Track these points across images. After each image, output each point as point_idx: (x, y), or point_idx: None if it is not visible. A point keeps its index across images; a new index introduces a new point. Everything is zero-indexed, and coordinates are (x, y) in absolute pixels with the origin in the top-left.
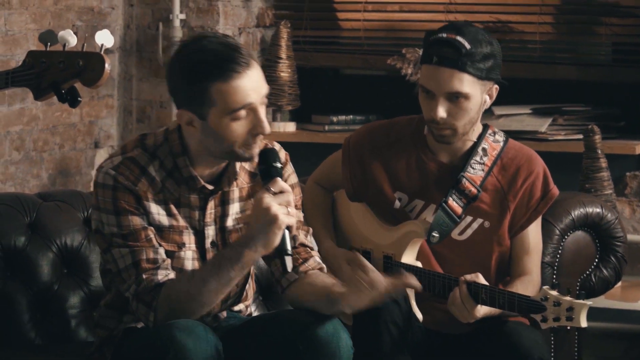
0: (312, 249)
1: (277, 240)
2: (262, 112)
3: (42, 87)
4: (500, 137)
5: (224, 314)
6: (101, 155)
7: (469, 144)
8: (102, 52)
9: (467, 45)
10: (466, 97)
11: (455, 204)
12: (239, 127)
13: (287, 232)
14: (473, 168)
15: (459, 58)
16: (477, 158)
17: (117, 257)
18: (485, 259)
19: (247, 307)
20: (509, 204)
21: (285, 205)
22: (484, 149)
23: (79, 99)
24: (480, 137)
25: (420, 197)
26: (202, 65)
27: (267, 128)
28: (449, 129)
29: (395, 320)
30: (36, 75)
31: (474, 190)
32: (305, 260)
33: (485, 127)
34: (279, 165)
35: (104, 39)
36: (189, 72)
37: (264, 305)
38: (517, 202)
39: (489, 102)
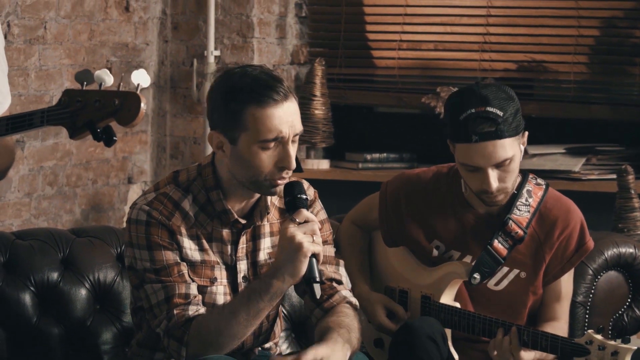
0: (340, 282)
1: (303, 269)
2: (292, 147)
3: (77, 126)
4: (541, 181)
5: (256, 351)
6: (134, 191)
7: (510, 192)
8: (138, 92)
9: (500, 113)
10: (512, 159)
11: (500, 245)
12: (266, 158)
13: (314, 260)
14: (519, 210)
15: (497, 128)
16: (523, 200)
17: (149, 292)
18: (519, 308)
19: (276, 345)
20: (544, 255)
21: (310, 234)
22: (528, 191)
23: (114, 138)
24: (523, 181)
25: (457, 248)
26: (242, 88)
27: (293, 163)
28: (502, 193)
29: (432, 356)
30: (71, 114)
31: (520, 232)
32: (330, 296)
33: (526, 174)
34: (303, 196)
35: (140, 78)
36: (228, 93)
37: (296, 342)
38: (552, 254)
39: (523, 148)
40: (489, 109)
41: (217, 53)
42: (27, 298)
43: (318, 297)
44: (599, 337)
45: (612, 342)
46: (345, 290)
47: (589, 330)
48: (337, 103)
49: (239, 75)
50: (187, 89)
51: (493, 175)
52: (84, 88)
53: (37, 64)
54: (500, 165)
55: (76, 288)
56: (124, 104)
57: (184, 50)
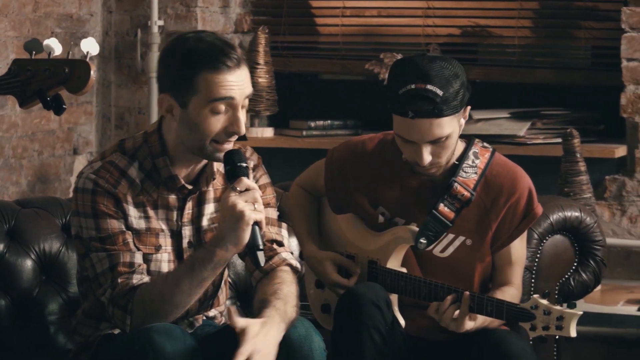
0: (281, 244)
1: (246, 237)
2: (242, 113)
3: (27, 95)
4: (488, 145)
5: (200, 320)
6: (80, 162)
7: (452, 160)
8: (87, 60)
9: (440, 92)
10: (448, 137)
11: (447, 209)
12: (216, 122)
13: (256, 228)
14: (465, 172)
15: (435, 107)
16: (469, 162)
17: (94, 261)
18: (468, 274)
19: (221, 313)
20: (490, 222)
21: (251, 202)
22: (475, 153)
23: (63, 106)
24: (469, 146)
25: (401, 215)
26: (196, 53)
27: (243, 129)
28: (435, 167)
29: (378, 326)
30: (21, 83)
31: (467, 194)
32: (270, 258)
33: (472, 139)
34: (244, 164)
35: (89, 46)
36: (182, 57)
37: (241, 311)
38: (499, 221)
39: (464, 122)
40: (429, 87)
41: (161, 23)
42: None
43: (262, 264)
44: (544, 301)
45: (558, 307)
46: (285, 252)
47: (535, 295)
48: (281, 71)
49: (194, 40)
50: (131, 59)
51: (427, 150)
52: (33, 57)
53: None
54: (436, 142)
55: (22, 259)
56: (73, 72)
57: (128, 20)
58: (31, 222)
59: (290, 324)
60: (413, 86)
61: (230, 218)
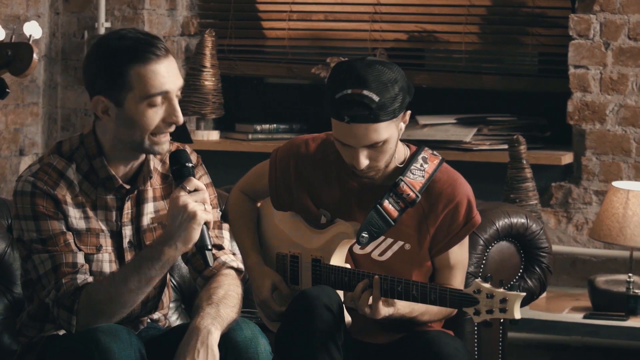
0: (221, 247)
1: (196, 237)
2: (177, 101)
3: None
4: (437, 154)
5: (145, 322)
6: (26, 163)
7: (393, 164)
8: (30, 42)
9: (376, 98)
10: (386, 141)
11: (391, 207)
12: (154, 115)
13: (204, 227)
14: (413, 174)
15: (371, 112)
16: (417, 165)
17: (37, 263)
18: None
19: (165, 316)
20: (428, 227)
21: (201, 202)
22: (424, 158)
23: (7, 90)
24: (418, 151)
25: (342, 216)
26: (122, 50)
27: (181, 117)
28: (373, 170)
29: (330, 330)
30: None
31: (412, 194)
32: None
33: (422, 146)
34: (190, 165)
35: (32, 29)
36: (108, 57)
37: (186, 314)
38: (436, 227)
39: (403, 126)
40: (365, 92)
41: (108, 25)
42: None
43: (211, 264)
44: (487, 285)
45: (501, 290)
46: (225, 255)
47: (477, 280)
48: (227, 74)
49: (117, 38)
50: (78, 61)
51: (363, 154)
52: None
53: None
54: (373, 147)
55: None
56: (16, 54)
57: (75, 22)
58: None
59: (229, 324)
60: (349, 91)
61: (181, 217)
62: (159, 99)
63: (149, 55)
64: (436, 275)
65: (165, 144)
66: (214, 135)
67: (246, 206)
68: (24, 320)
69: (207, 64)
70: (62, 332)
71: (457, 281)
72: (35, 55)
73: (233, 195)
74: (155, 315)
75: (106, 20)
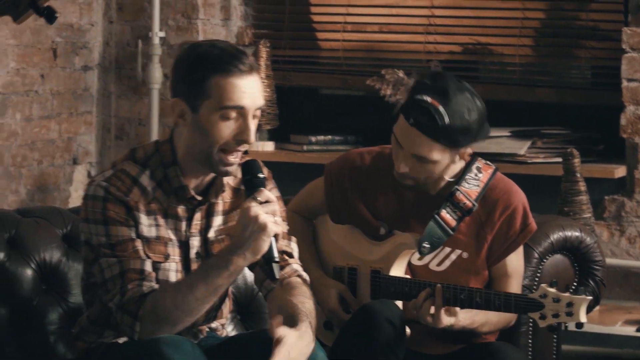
0: (291, 255)
1: (265, 248)
2: (252, 122)
3: (20, 10)
4: (490, 163)
5: (204, 332)
6: (79, 172)
7: (445, 181)
8: None
9: (446, 119)
10: (433, 162)
11: (448, 216)
12: (226, 128)
13: (273, 240)
14: (468, 183)
15: (435, 129)
16: (472, 174)
17: (104, 267)
18: None
19: (222, 326)
20: (486, 235)
21: (271, 214)
22: (478, 168)
23: (55, 15)
24: (472, 161)
25: (399, 228)
26: (208, 57)
27: (252, 137)
28: (411, 179)
29: (391, 344)
30: (13, 2)
31: (468, 203)
32: (282, 268)
33: (475, 156)
34: (262, 175)
35: None
36: (194, 61)
37: (242, 324)
38: (494, 235)
39: (459, 162)
40: (441, 108)
41: (162, 34)
42: None
43: (277, 277)
44: (552, 290)
45: (567, 294)
46: (296, 264)
47: (543, 285)
48: (281, 85)
49: (207, 46)
50: (132, 70)
51: (407, 160)
52: None
53: None
54: (419, 159)
55: (22, 268)
56: None
57: (129, 31)
58: (32, 231)
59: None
60: (429, 99)
61: (252, 227)
62: (233, 113)
63: (231, 68)
64: (493, 284)
65: (233, 165)
66: (269, 146)
67: (301, 224)
68: (84, 325)
69: (262, 74)
70: (122, 340)
71: (514, 289)
72: None
73: (286, 216)
74: (214, 324)
75: (160, 30)
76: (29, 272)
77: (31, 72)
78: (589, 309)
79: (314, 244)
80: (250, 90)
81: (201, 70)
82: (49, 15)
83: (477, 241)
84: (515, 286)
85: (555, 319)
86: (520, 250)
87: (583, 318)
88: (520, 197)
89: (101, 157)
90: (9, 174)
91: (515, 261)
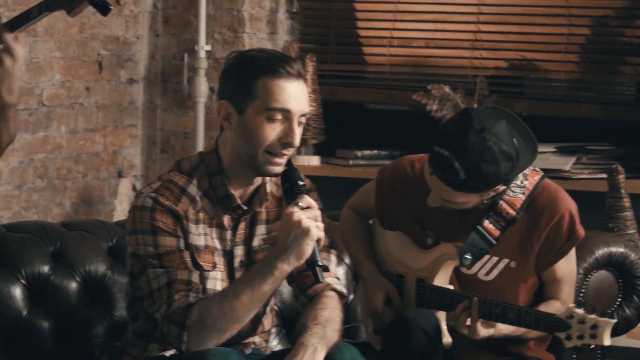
0: (327, 269)
1: (309, 252)
2: (297, 126)
3: (74, 3)
4: (539, 169)
5: (250, 348)
6: (124, 185)
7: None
8: None
9: (462, 175)
10: (463, 203)
11: (491, 226)
12: (271, 130)
13: (316, 244)
14: (512, 191)
15: (453, 182)
16: (518, 182)
17: (151, 277)
18: (512, 296)
19: (266, 341)
20: (533, 244)
21: (313, 219)
22: (524, 174)
23: (110, 7)
24: None
25: (446, 238)
26: (257, 60)
27: (297, 140)
28: (448, 206)
29: (425, 354)
30: None
31: (512, 212)
32: (314, 283)
33: None
34: (302, 183)
35: None
36: (242, 64)
37: (287, 339)
38: (541, 243)
39: (492, 194)
40: (456, 164)
41: (208, 48)
42: (17, 291)
43: (322, 280)
44: (579, 311)
45: (592, 316)
46: (330, 278)
47: (571, 305)
48: (328, 99)
49: (256, 51)
50: (177, 83)
51: (436, 200)
52: None
53: (28, 57)
54: (448, 202)
55: (67, 281)
56: None
57: (175, 44)
58: (77, 244)
59: (333, 346)
60: (446, 154)
61: (295, 232)
62: (278, 115)
63: (279, 70)
64: (544, 290)
65: (279, 167)
66: (315, 160)
67: (357, 221)
68: (129, 339)
69: (308, 88)
70: (168, 353)
71: (565, 294)
72: None
73: (344, 212)
74: (257, 340)
75: (206, 43)
76: (73, 285)
77: (76, 84)
78: (627, 329)
79: (370, 242)
80: (297, 95)
81: (249, 72)
82: (104, 7)
83: (525, 250)
84: (566, 291)
85: (580, 340)
86: (571, 255)
87: (607, 341)
88: (566, 204)
89: (146, 170)
90: (54, 186)
91: (565, 266)
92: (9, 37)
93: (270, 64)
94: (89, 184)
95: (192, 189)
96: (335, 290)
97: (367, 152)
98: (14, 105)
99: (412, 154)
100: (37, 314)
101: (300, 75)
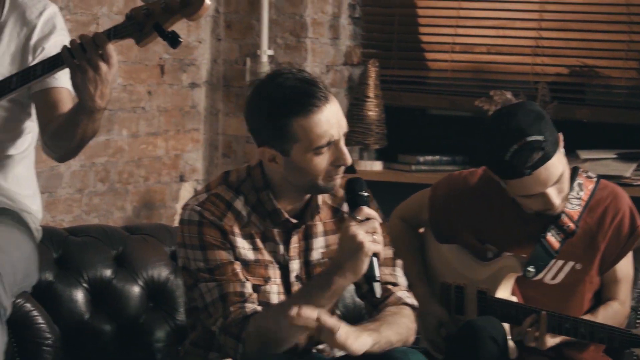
0: (395, 284)
1: (364, 268)
2: (344, 146)
3: (144, 32)
4: (592, 174)
5: (311, 352)
6: (186, 189)
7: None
8: None
9: (540, 137)
10: (562, 175)
11: (553, 239)
12: (322, 161)
13: (374, 259)
14: (571, 203)
15: (544, 152)
16: (574, 194)
17: (204, 291)
18: (579, 298)
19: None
20: (599, 244)
21: (371, 232)
22: (579, 184)
23: (179, 39)
24: (573, 175)
25: (508, 249)
26: (283, 102)
27: (349, 159)
28: (562, 201)
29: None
30: (138, 24)
31: (572, 225)
32: (386, 298)
33: (576, 168)
34: (364, 193)
35: None
36: (270, 109)
37: None
38: (607, 242)
39: (563, 149)
40: (529, 138)
41: (271, 52)
42: (79, 295)
43: (378, 295)
44: None
45: None
46: (401, 291)
47: None
48: (390, 104)
49: (274, 87)
50: (240, 87)
51: (554, 193)
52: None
53: None
54: (557, 182)
55: (129, 285)
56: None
57: (237, 48)
58: (139, 248)
59: (386, 344)
60: (516, 146)
61: (350, 248)
62: (325, 147)
63: (309, 107)
64: (603, 290)
65: (338, 181)
66: (377, 165)
67: (408, 234)
68: (188, 348)
69: (371, 94)
70: None
71: (623, 295)
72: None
73: (393, 222)
74: (321, 345)
75: (269, 48)
76: (136, 289)
77: (138, 88)
78: None
79: (423, 254)
80: (333, 119)
81: (280, 117)
82: (174, 40)
83: (590, 251)
84: (625, 291)
85: None
86: (629, 256)
87: None
88: (626, 200)
89: (208, 175)
90: (115, 190)
91: (624, 267)
92: (108, 45)
93: (299, 104)
94: (150, 187)
95: (239, 205)
96: (407, 304)
97: (429, 158)
98: (104, 108)
99: (474, 160)
100: (99, 318)
101: (327, 97)
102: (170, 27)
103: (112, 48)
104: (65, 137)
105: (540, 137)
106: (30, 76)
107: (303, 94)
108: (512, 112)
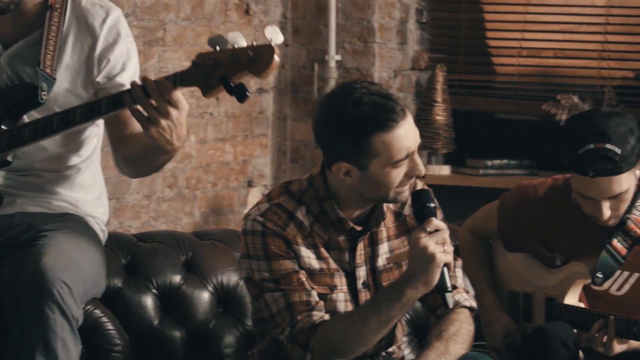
0: (455, 287)
1: (436, 279)
2: (417, 154)
3: (210, 84)
4: None
5: (380, 356)
6: (254, 195)
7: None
8: (272, 44)
9: (618, 151)
10: (626, 190)
11: (619, 245)
12: (398, 174)
13: (445, 269)
14: (638, 210)
15: (615, 165)
16: None
17: (269, 301)
18: None
19: (399, 347)
20: None
21: (441, 243)
22: None
23: (247, 93)
24: None
25: (576, 258)
26: (363, 120)
27: (423, 170)
28: (614, 218)
29: None
30: (205, 73)
31: (639, 231)
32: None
33: None
34: (432, 205)
35: (273, 34)
36: (350, 127)
37: (418, 347)
38: None
39: (639, 173)
40: (608, 146)
41: (338, 57)
42: (149, 301)
43: (451, 306)
44: None
45: None
46: (459, 294)
47: None
48: (457, 109)
49: (353, 105)
50: (307, 93)
51: (606, 205)
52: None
53: (157, 66)
54: (615, 197)
55: (198, 291)
56: (257, 55)
57: (305, 54)
58: (209, 254)
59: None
60: (592, 146)
61: (421, 260)
62: (404, 160)
63: (390, 122)
64: None
65: (407, 192)
66: (445, 169)
67: (477, 246)
68: (256, 357)
69: (439, 98)
70: None
71: None
72: (276, 57)
73: (462, 234)
74: (390, 349)
75: (336, 53)
76: (205, 295)
77: None
78: None
79: (491, 264)
80: (410, 133)
81: (361, 135)
82: (241, 94)
83: None
84: None
85: None
86: None
87: None
88: None
89: (276, 180)
90: (183, 196)
91: None
92: (173, 91)
93: (379, 120)
94: (218, 193)
95: (301, 215)
96: (465, 306)
97: (497, 162)
98: (179, 148)
99: (541, 164)
100: (168, 323)
101: (404, 111)
102: (237, 80)
103: (179, 94)
104: (141, 168)
105: (618, 150)
106: (94, 113)
107: (383, 110)
108: (609, 115)
